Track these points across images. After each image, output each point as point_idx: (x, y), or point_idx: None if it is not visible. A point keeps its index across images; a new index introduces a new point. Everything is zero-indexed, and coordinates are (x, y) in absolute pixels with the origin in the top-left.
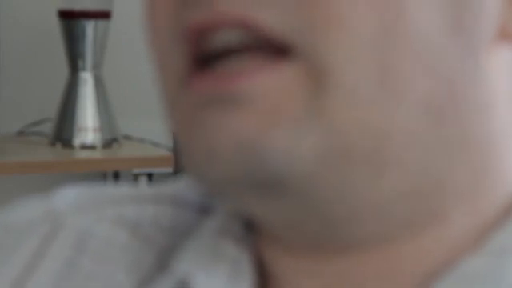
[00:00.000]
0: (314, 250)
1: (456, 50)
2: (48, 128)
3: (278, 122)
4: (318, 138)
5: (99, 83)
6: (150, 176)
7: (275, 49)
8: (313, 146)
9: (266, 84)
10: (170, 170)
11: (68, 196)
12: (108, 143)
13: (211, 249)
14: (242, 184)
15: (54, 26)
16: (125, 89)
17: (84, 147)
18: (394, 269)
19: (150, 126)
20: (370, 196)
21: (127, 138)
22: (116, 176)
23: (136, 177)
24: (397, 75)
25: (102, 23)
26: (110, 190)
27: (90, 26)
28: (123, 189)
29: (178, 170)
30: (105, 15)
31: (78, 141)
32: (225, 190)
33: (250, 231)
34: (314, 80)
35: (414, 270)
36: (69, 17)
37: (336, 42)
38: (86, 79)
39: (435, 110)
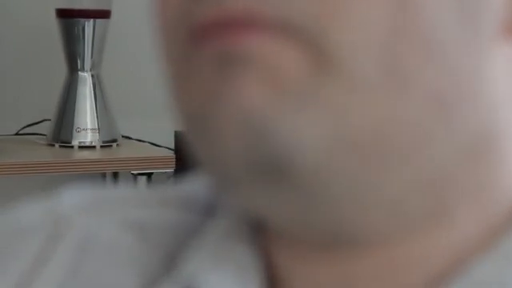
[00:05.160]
0: (320, 251)
1: (464, 44)
2: (46, 128)
3: (284, 92)
4: (324, 123)
5: (98, 83)
6: (149, 176)
7: (283, 31)
8: (315, 129)
9: (274, 49)
10: (169, 170)
11: (72, 197)
12: (107, 143)
13: (218, 251)
14: (245, 166)
15: (53, 25)
16: (124, 89)
17: (83, 147)
18: (399, 270)
19: (149, 126)
20: (376, 189)
21: (126, 138)
22: (115, 176)
23: (135, 177)
24: (404, 65)
25: (100, 23)
26: (115, 191)
27: (88, 26)
28: (128, 190)
29: (178, 170)
30: (104, 14)
31: (76, 141)
32: (229, 175)
33: (258, 233)
34: (320, 65)
35: (420, 271)
36: (67, 16)
37: (344, 34)
38: (85, 79)
39: (442, 103)
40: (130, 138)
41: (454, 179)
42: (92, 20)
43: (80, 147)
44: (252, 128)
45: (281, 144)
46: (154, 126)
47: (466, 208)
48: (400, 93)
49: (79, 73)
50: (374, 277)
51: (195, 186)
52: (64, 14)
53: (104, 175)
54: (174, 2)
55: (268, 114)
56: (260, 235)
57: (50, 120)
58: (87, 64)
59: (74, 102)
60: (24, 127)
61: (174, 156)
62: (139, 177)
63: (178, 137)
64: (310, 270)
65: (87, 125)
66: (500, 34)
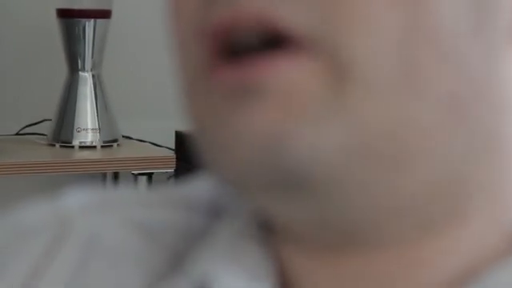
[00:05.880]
0: (332, 251)
1: (478, 48)
2: (47, 128)
3: (297, 115)
4: (340, 134)
5: (99, 83)
6: (149, 176)
7: (296, 44)
8: (334, 142)
9: (288, 77)
10: (170, 170)
11: (77, 198)
12: (107, 143)
13: (230, 250)
14: (262, 181)
15: (53, 25)
16: (124, 89)
17: (83, 147)
18: (415, 270)
19: (149, 126)
20: (393, 193)
21: (127, 138)
22: (116, 176)
23: (136, 177)
24: (420, 73)
25: (101, 23)
26: (119, 192)
27: (89, 26)
28: (132, 191)
29: (179, 170)
30: (104, 14)
31: (77, 141)
32: (244, 187)
33: (269, 232)
34: (335, 76)
35: (437, 272)
36: (68, 16)
37: (358, 39)
38: (86, 79)
39: (458, 108)
40: (130, 138)
41: (469, 181)
42: (92, 20)
43: (80, 147)
44: (268, 149)
45: (298, 160)
46: (155, 126)
47: (482, 210)
48: (415, 97)
49: (80, 73)
50: (388, 277)
51: (199, 187)
52: (64, 14)
53: (104, 175)
54: (188, 8)
55: (285, 136)
56: (270, 235)
57: (50, 120)
58: (88, 64)
59: (75, 102)
60: (24, 127)
61: (174, 156)
62: (140, 177)
63: (178, 137)
64: (322, 271)
65: (88, 125)
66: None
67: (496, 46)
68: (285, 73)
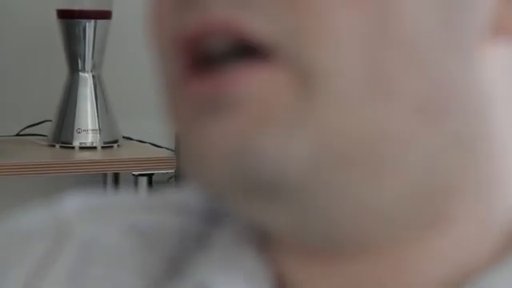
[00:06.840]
0: (322, 255)
1: (446, 49)
2: (47, 129)
3: (267, 125)
4: (309, 141)
5: (99, 84)
6: (150, 177)
7: (264, 53)
8: (304, 150)
9: (257, 90)
10: (170, 170)
11: (75, 203)
12: (108, 144)
13: (228, 257)
14: (235, 188)
15: (54, 25)
16: (125, 89)
17: (83, 148)
18: (402, 274)
19: (150, 127)
20: (368, 198)
21: (127, 139)
22: (116, 177)
23: (136, 178)
24: (386, 76)
25: (101, 23)
26: (116, 197)
27: (89, 26)
28: (129, 196)
29: (179, 171)
30: (105, 15)
31: (77, 142)
32: (221, 195)
33: (264, 240)
34: (301, 83)
35: (423, 275)
36: (68, 17)
37: (322, 46)
38: (86, 80)
39: (427, 109)
40: (130, 139)
41: (450, 184)
42: (93, 21)
43: (81, 148)
44: (240, 159)
45: (269, 168)
46: (155, 126)
47: (468, 212)
48: (384, 104)
49: (80, 73)
50: (378, 280)
51: (196, 192)
52: (65, 15)
53: (105, 176)
54: (165, 14)
55: (255, 145)
56: (266, 241)
57: (50, 121)
58: (88, 65)
59: (75, 103)
60: (25, 128)
61: (174, 157)
62: (140, 178)
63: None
64: (315, 276)
65: (88, 125)
66: (492, 35)
67: (468, 45)
68: (254, 86)
